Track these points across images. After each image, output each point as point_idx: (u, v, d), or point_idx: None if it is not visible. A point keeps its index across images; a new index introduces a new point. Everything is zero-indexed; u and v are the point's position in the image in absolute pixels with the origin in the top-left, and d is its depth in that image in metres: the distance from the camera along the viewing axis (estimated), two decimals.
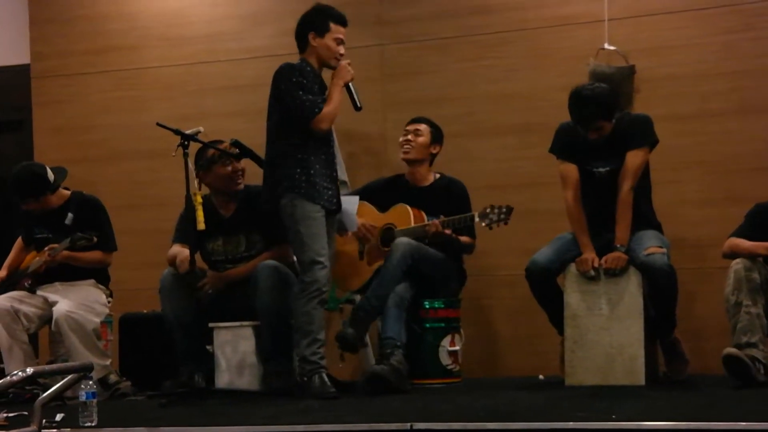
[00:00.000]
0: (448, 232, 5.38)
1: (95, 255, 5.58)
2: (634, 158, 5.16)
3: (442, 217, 5.38)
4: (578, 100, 5.14)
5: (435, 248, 5.41)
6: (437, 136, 5.69)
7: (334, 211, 5.14)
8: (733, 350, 4.79)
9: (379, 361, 5.23)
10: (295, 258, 5.27)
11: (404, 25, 6.48)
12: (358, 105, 5.13)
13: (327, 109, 4.99)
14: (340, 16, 5.11)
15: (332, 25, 5.08)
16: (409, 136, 5.66)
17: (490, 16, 6.32)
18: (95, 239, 5.45)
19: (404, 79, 6.45)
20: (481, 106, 6.31)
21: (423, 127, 5.68)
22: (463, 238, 5.51)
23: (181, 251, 5.35)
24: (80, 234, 5.42)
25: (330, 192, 5.09)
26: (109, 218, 5.69)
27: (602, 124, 5.16)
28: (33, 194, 5.53)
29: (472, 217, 5.35)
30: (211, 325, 5.39)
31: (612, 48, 5.98)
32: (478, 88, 6.32)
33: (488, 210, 5.30)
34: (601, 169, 5.23)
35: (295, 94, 4.96)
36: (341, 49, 5.09)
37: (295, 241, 5.01)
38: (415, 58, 6.44)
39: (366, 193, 5.77)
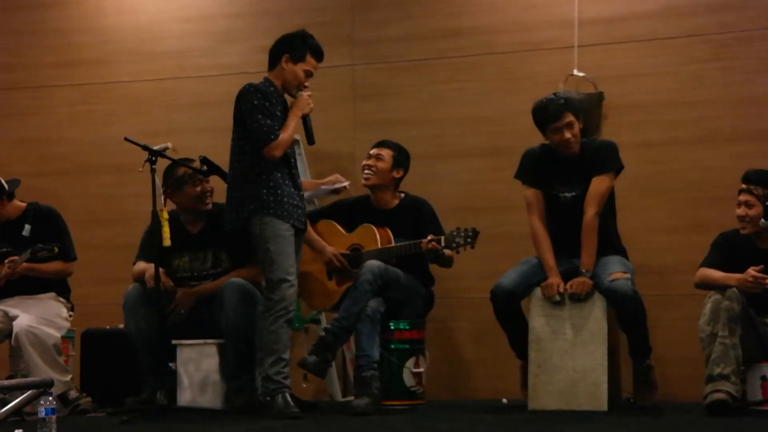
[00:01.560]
0: (438, 246, 5.33)
1: (56, 265, 5.53)
2: (599, 184, 5.18)
3: (431, 236, 5.35)
4: (542, 105, 5.20)
5: (404, 269, 5.41)
6: (401, 159, 5.62)
7: (302, 230, 5.13)
8: (719, 396, 4.73)
9: (358, 385, 5.22)
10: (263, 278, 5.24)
11: (376, 46, 6.49)
12: (313, 140, 5.16)
13: (283, 136, 4.98)
14: (319, 51, 5.12)
15: (308, 57, 5.09)
16: (371, 161, 5.62)
17: (462, 40, 6.35)
18: (56, 249, 5.39)
19: (375, 99, 6.46)
20: (451, 129, 6.33)
21: (385, 152, 5.62)
22: (447, 252, 5.48)
23: (149, 267, 5.30)
24: (41, 245, 5.35)
25: (299, 211, 5.08)
26: (67, 227, 5.63)
27: (571, 120, 5.17)
28: None
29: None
30: (174, 342, 5.35)
31: (581, 74, 6.02)
32: (449, 111, 6.34)
33: (454, 233, 5.30)
34: (566, 194, 5.25)
35: (254, 117, 4.96)
36: (307, 82, 5.10)
37: (264, 260, 4.98)
38: (387, 79, 6.46)
39: (333, 212, 5.75)
